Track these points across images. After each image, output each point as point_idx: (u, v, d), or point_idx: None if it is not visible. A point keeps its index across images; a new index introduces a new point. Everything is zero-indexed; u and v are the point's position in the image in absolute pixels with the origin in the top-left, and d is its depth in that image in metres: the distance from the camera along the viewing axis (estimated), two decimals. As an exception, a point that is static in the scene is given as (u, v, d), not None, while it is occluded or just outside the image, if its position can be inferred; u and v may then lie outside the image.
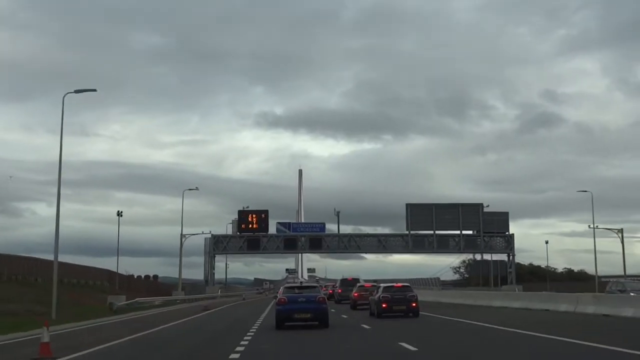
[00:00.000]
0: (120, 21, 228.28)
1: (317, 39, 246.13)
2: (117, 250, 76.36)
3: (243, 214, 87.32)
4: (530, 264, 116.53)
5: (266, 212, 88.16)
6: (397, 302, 30.72)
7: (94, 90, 36.89)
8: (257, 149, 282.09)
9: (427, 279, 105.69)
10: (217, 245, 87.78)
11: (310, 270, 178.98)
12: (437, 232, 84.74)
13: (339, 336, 20.48)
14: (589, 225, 73.32)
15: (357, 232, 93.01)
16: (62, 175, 35.85)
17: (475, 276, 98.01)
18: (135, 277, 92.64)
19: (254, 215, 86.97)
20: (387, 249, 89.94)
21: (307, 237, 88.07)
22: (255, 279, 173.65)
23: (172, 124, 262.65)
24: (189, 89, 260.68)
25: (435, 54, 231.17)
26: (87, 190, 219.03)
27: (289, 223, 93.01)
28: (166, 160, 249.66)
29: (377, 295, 31.60)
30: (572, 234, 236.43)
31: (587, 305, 29.34)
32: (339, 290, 56.31)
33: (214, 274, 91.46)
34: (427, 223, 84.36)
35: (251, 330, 23.26)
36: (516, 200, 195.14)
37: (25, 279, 54.00)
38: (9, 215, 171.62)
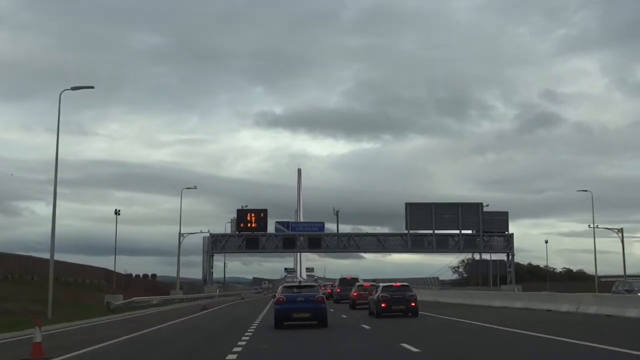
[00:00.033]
0: (120, 21, 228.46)
1: (317, 39, 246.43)
2: (115, 249, 76.17)
3: (242, 213, 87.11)
4: (530, 264, 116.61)
5: (265, 211, 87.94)
6: (396, 301, 30.57)
7: (91, 87, 36.49)
8: (257, 149, 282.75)
9: (426, 278, 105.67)
10: (216, 244, 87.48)
11: (309, 269, 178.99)
12: (436, 231, 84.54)
13: (338, 336, 20.32)
14: (589, 225, 73.34)
15: (356, 231, 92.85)
16: (60, 175, 35.78)
17: (474, 276, 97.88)
18: (134, 276, 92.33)
19: (252, 215, 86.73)
20: (386, 248, 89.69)
21: (306, 236, 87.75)
22: (253, 278, 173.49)
23: (172, 123, 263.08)
24: (189, 88, 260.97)
25: (435, 54, 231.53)
26: (86, 190, 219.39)
27: (288, 222, 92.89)
28: (165, 159, 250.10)
29: (376, 295, 31.44)
30: (571, 234, 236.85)
31: (589, 305, 29.05)
32: (338, 290, 56.10)
33: (212, 273, 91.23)
34: (427, 223, 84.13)
35: (249, 330, 23.04)
36: (516, 200, 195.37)
37: (21, 278, 53.69)
38: (8, 215, 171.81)
